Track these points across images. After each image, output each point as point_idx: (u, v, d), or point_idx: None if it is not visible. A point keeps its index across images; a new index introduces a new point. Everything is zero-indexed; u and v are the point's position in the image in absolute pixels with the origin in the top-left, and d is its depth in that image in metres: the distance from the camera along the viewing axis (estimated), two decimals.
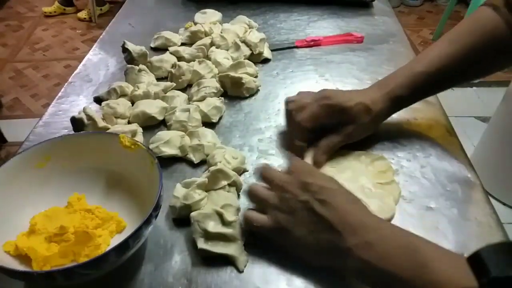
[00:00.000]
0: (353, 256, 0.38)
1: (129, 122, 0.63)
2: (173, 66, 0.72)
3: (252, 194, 0.47)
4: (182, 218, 0.49)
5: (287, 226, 0.43)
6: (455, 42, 0.54)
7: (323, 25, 0.91)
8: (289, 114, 0.58)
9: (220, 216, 0.46)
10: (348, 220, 0.40)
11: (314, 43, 0.83)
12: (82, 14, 2.96)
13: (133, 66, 0.71)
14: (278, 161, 0.58)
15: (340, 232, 0.39)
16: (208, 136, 0.59)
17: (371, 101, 0.54)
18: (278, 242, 0.45)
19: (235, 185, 0.52)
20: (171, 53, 0.76)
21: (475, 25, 0.55)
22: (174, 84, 0.70)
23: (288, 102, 0.58)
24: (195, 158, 0.57)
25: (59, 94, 0.72)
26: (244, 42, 0.77)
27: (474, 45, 0.53)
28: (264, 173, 0.48)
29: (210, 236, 0.45)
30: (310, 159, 0.55)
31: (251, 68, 0.73)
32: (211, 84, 0.67)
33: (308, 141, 0.57)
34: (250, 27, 0.86)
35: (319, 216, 0.41)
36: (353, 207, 0.42)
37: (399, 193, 0.52)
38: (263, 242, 0.46)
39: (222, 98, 0.67)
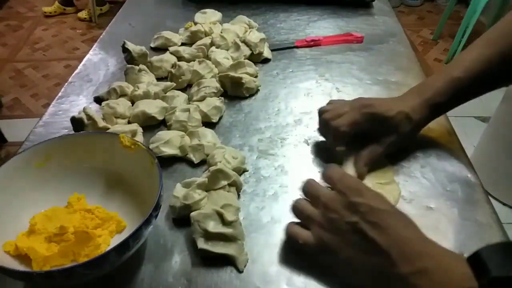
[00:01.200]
0: (408, 283, 0.36)
1: (129, 122, 0.63)
2: (173, 66, 0.72)
3: (297, 210, 0.45)
4: (182, 218, 0.49)
5: (332, 246, 0.41)
6: (490, 45, 0.53)
7: (323, 25, 0.91)
8: (325, 123, 0.56)
9: (220, 216, 0.46)
10: (402, 246, 0.37)
11: (314, 43, 0.83)
12: (82, 14, 2.96)
13: (133, 66, 0.71)
14: (278, 161, 0.58)
15: (393, 259, 0.37)
16: (208, 136, 0.59)
17: (412, 110, 0.53)
18: (320, 260, 0.43)
19: (235, 185, 0.52)
20: (171, 53, 0.76)
21: (509, 27, 0.53)
22: (174, 84, 0.70)
23: (322, 111, 0.57)
24: (195, 158, 0.57)
25: (59, 94, 0.72)
26: (244, 42, 0.77)
27: (511, 47, 0.52)
28: (309, 189, 0.45)
29: (210, 236, 0.45)
30: (351, 170, 0.53)
31: (251, 68, 0.73)
32: (211, 84, 0.67)
33: (347, 149, 0.56)
34: (250, 27, 0.86)
35: (370, 240, 0.38)
36: (407, 231, 0.39)
37: (399, 193, 0.52)
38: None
39: (222, 98, 0.67)
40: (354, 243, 0.39)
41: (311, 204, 0.45)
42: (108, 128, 0.59)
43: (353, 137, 0.55)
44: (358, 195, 0.41)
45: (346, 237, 0.40)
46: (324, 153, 0.59)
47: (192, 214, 0.47)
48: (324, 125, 0.57)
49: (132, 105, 0.65)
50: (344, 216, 0.40)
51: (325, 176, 0.45)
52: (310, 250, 0.43)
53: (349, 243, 0.40)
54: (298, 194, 0.52)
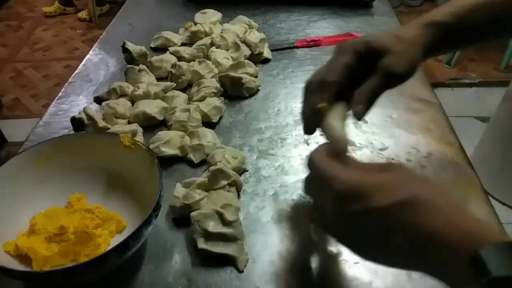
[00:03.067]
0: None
1: (129, 122, 0.63)
2: (173, 66, 0.72)
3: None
4: (182, 218, 0.49)
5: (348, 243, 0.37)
6: None
7: (323, 25, 0.91)
8: (308, 85, 0.47)
9: (220, 216, 0.46)
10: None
11: (314, 43, 0.83)
12: (82, 14, 2.96)
13: (133, 66, 0.71)
14: (278, 161, 0.58)
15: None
16: (208, 136, 0.59)
17: (403, 31, 0.46)
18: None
19: (235, 185, 0.52)
20: (171, 53, 0.76)
21: None
22: (174, 84, 0.70)
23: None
24: (195, 158, 0.57)
25: (59, 94, 0.72)
26: (244, 42, 0.77)
27: None
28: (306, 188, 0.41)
29: (210, 236, 0.45)
30: (339, 115, 0.43)
31: (251, 68, 0.73)
32: (211, 84, 0.67)
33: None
34: (250, 27, 0.86)
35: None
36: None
37: None
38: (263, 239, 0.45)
39: (222, 98, 0.67)
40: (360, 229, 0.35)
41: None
42: (108, 128, 0.59)
43: (342, 89, 0.45)
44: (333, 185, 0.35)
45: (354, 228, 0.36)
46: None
47: (192, 214, 0.47)
48: (306, 89, 0.47)
49: (132, 105, 0.65)
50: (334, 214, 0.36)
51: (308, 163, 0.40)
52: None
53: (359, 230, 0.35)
54: (299, 195, 0.52)
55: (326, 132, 0.43)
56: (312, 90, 0.46)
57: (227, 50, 0.77)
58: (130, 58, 0.73)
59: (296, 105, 0.68)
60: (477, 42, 0.52)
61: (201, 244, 0.45)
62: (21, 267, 0.42)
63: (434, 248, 0.32)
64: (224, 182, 0.51)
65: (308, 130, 0.48)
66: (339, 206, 0.35)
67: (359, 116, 0.44)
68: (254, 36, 0.78)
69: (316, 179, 0.39)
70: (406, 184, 0.35)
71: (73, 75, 0.76)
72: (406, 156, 0.58)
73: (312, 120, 0.46)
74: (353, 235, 0.36)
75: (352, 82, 0.45)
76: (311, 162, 0.39)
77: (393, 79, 0.45)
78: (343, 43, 0.47)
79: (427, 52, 0.47)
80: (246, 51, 0.76)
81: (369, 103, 0.44)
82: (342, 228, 0.37)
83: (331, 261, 0.45)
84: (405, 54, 0.45)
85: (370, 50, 0.45)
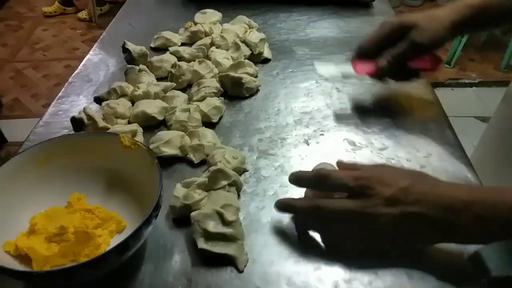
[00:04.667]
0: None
1: (129, 122, 0.63)
2: (173, 66, 0.72)
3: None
4: (182, 218, 0.49)
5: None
6: None
7: (323, 25, 0.91)
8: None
9: (220, 216, 0.46)
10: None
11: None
12: (82, 14, 2.96)
13: (133, 66, 0.71)
14: (278, 161, 0.58)
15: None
16: (208, 136, 0.59)
17: (437, 11, 0.57)
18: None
19: (235, 185, 0.52)
20: (171, 53, 0.76)
21: None
22: (174, 84, 0.70)
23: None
24: (195, 158, 0.57)
25: (59, 94, 0.72)
26: (244, 42, 0.77)
27: None
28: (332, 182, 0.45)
29: (210, 236, 0.45)
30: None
31: (251, 68, 0.73)
32: (211, 84, 0.67)
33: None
34: (250, 27, 0.86)
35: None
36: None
37: None
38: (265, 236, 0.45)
39: (222, 98, 0.67)
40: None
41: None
42: (108, 128, 0.59)
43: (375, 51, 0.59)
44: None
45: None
46: (324, 153, 0.59)
47: (192, 214, 0.47)
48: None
49: (132, 105, 0.65)
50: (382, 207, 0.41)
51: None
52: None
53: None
54: (299, 195, 0.52)
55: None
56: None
57: (227, 50, 0.77)
58: (130, 58, 0.73)
59: (296, 105, 0.68)
60: (506, 24, 0.62)
61: (201, 244, 0.45)
62: (21, 267, 0.42)
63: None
64: (224, 182, 0.51)
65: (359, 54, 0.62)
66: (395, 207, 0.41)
67: (380, 71, 0.58)
68: (254, 36, 0.78)
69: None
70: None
71: (73, 75, 0.76)
72: (406, 156, 0.58)
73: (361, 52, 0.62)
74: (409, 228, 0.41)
75: (384, 49, 0.58)
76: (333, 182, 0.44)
77: (416, 48, 0.56)
78: (386, 21, 0.61)
79: (456, 30, 0.57)
80: (246, 51, 0.76)
81: (391, 62, 0.57)
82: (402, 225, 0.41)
83: (331, 261, 0.45)
84: (431, 29, 0.56)
85: (403, 24, 0.57)
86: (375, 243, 0.44)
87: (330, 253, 0.45)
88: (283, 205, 0.47)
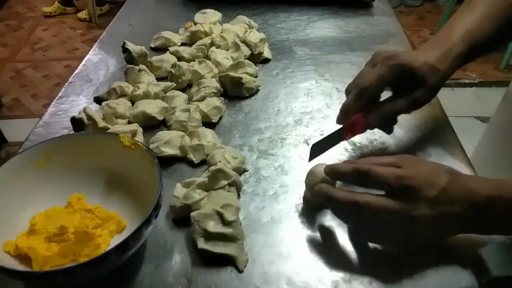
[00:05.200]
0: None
1: (129, 122, 0.63)
2: (173, 66, 0.72)
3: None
4: (182, 218, 0.49)
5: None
6: (479, 6, 0.55)
7: (323, 25, 0.91)
8: (348, 87, 0.54)
9: (220, 216, 0.46)
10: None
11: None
12: (82, 14, 2.96)
13: (133, 66, 0.71)
14: (278, 161, 0.58)
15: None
16: (208, 136, 0.59)
17: (437, 61, 0.50)
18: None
19: (235, 185, 0.52)
20: (171, 53, 0.76)
21: None
22: (174, 84, 0.70)
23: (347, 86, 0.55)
24: (195, 158, 0.57)
25: (59, 94, 0.72)
26: (244, 42, 0.77)
27: (496, 9, 0.55)
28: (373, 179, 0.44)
29: (210, 236, 0.45)
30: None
31: (251, 68, 0.73)
32: (211, 84, 0.67)
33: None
34: (250, 27, 0.86)
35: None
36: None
37: None
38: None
39: (222, 98, 0.67)
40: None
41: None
42: (108, 128, 0.59)
43: (376, 96, 0.52)
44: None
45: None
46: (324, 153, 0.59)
47: (192, 214, 0.47)
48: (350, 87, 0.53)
49: (132, 105, 0.65)
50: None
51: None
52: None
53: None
54: (299, 195, 0.52)
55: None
56: (350, 91, 0.53)
57: (227, 50, 0.77)
58: (130, 58, 0.73)
59: (296, 105, 0.68)
60: (493, 51, 0.60)
61: (201, 244, 0.45)
62: (21, 267, 0.42)
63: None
64: (224, 182, 0.51)
65: (339, 122, 0.54)
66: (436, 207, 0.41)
67: (371, 127, 0.52)
68: (254, 36, 0.78)
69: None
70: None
71: (73, 75, 0.76)
72: None
73: (342, 117, 0.53)
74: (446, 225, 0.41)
75: (380, 90, 0.51)
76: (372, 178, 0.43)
77: (418, 107, 0.52)
78: (382, 53, 0.52)
79: (452, 73, 0.53)
80: (246, 51, 0.76)
81: (386, 120, 0.52)
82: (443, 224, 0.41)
83: (331, 260, 0.45)
84: (436, 88, 0.51)
85: (407, 72, 0.50)
86: (409, 243, 0.43)
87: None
88: (322, 193, 0.45)
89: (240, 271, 0.44)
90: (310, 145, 0.52)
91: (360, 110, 0.50)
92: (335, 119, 0.54)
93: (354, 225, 0.46)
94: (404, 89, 0.51)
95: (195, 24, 0.85)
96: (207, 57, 0.76)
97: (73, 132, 0.60)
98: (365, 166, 0.43)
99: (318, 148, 0.49)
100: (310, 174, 0.50)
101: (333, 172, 0.46)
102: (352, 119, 0.51)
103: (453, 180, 0.42)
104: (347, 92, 0.54)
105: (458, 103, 2.06)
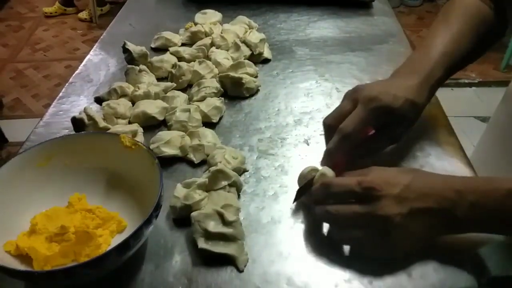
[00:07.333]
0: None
1: (129, 122, 0.63)
2: (174, 66, 0.72)
3: (334, 216, 0.45)
4: (182, 218, 0.49)
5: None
6: (454, 23, 0.57)
7: (323, 26, 0.91)
8: (328, 128, 0.53)
9: (221, 216, 0.46)
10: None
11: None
12: (83, 15, 2.96)
13: (133, 66, 0.71)
14: (278, 161, 0.58)
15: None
16: (208, 136, 0.59)
17: (416, 94, 0.51)
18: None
19: (235, 185, 0.52)
20: (171, 53, 0.77)
21: (463, 11, 0.58)
22: (175, 84, 0.70)
23: (325, 119, 0.54)
24: (195, 158, 0.57)
25: (60, 94, 0.72)
26: (244, 42, 0.77)
27: (471, 26, 0.56)
28: (335, 189, 0.45)
29: (210, 236, 0.45)
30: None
31: (251, 68, 0.73)
32: (211, 84, 0.67)
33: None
34: (250, 27, 0.86)
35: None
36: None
37: None
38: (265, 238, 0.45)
39: (222, 98, 0.67)
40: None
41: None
42: (109, 129, 0.59)
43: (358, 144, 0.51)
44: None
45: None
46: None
47: (193, 214, 0.47)
48: (328, 130, 0.53)
49: (133, 106, 0.65)
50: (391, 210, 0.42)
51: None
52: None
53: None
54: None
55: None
56: (331, 132, 0.51)
57: (227, 50, 0.77)
58: (130, 59, 0.73)
59: (296, 105, 0.68)
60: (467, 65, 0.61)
61: (202, 244, 0.45)
62: (21, 267, 0.42)
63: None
64: (224, 183, 0.51)
65: (323, 164, 0.52)
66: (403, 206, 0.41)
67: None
68: (254, 36, 0.78)
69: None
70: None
71: (73, 75, 0.77)
72: (405, 156, 0.58)
73: (326, 161, 0.52)
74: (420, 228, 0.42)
75: (362, 133, 0.51)
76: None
77: (399, 141, 0.54)
78: (362, 91, 0.51)
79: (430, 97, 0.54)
80: (246, 51, 0.76)
81: (367, 157, 0.52)
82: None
83: (331, 260, 0.45)
84: (416, 119, 0.53)
85: (388, 113, 0.49)
86: (392, 248, 0.43)
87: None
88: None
89: (240, 271, 0.44)
90: (298, 188, 0.51)
91: (343, 153, 0.50)
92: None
93: (339, 237, 0.46)
94: (384, 127, 0.52)
95: (195, 24, 0.85)
96: (207, 58, 0.76)
97: (73, 132, 0.60)
98: (327, 179, 0.46)
99: (302, 192, 0.50)
100: (301, 178, 0.51)
101: (299, 194, 0.50)
102: (335, 161, 0.51)
103: (417, 177, 0.43)
104: (325, 126, 0.53)
105: (458, 103, 2.06)
